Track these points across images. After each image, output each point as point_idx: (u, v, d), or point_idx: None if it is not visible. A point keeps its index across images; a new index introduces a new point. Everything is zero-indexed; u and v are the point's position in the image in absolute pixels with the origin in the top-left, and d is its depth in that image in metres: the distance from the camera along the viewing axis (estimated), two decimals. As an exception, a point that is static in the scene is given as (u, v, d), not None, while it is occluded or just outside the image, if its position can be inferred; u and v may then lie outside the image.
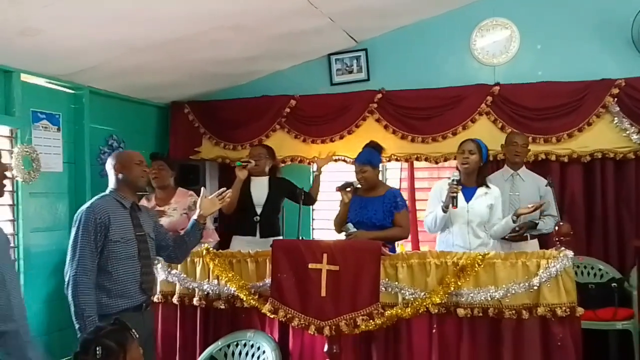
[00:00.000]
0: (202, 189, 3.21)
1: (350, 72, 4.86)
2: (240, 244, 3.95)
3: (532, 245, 3.89)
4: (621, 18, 4.24)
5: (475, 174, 3.61)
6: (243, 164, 4.06)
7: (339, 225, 3.74)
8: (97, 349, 1.99)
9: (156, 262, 3.31)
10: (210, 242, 3.96)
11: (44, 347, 3.77)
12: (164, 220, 3.87)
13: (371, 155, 3.72)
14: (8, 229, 3.64)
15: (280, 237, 4.26)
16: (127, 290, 2.78)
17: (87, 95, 4.25)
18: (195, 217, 3.09)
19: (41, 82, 3.93)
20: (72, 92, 4.20)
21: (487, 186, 3.63)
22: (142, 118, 5.05)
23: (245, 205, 4.11)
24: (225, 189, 3.21)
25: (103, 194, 2.89)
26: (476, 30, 4.61)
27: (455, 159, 4.45)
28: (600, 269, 4.23)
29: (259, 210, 4.14)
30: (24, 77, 3.75)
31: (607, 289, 3.95)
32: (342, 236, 3.72)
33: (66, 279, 2.69)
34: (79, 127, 4.23)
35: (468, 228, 3.53)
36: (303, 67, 4.97)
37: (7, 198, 3.65)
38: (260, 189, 4.18)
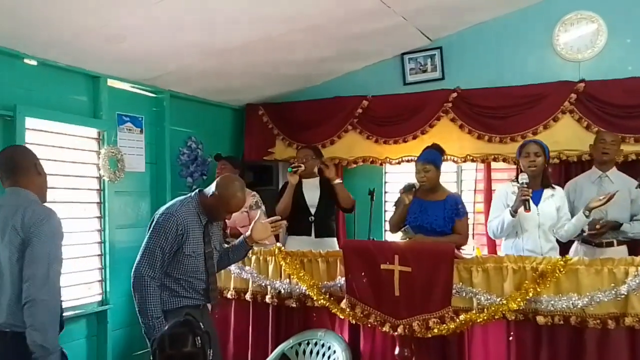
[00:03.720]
0: (259, 211, 3.21)
1: (424, 71, 4.77)
2: (296, 243, 3.97)
3: (620, 251, 3.64)
4: None
5: (541, 176, 3.51)
6: (294, 169, 4.06)
7: (396, 226, 3.68)
8: (197, 339, 2.08)
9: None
10: (267, 244, 4.01)
11: (124, 339, 3.98)
12: None
13: (434, 155, 3.66)
14: (95, 225, 3.87)
15: (334, 238, 4.27)
16: (190, 295, 2.83)
17: (168, 98, 4.44)
18: (245, 236, 3.08)
19: (126, 86, 4.15)
20: (154, 95, 4.40)
21: (552, 187, 3.53)
22: (219, 120, 5.21)
23: (299, 207, 4.13)
24: (279, 217, 3.21)
25: (188, 198, 2.87)
26: (559, 24, 4.38)
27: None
28: (698, 279, 3.88)
29: (312, 210, 4.16)
30: (110, 82, 3.97)
31: None
32: (397, 237, 3.66)
33: (133, 276, 2.74)
34: (160, 129, 4.42)
35: (539, 232, 3.42)
36: (376, 67, 4.93)
37: (95, 196, 3.88)
38: (312, 190, 4.18)
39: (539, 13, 4.43)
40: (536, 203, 3.42)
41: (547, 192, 3.50)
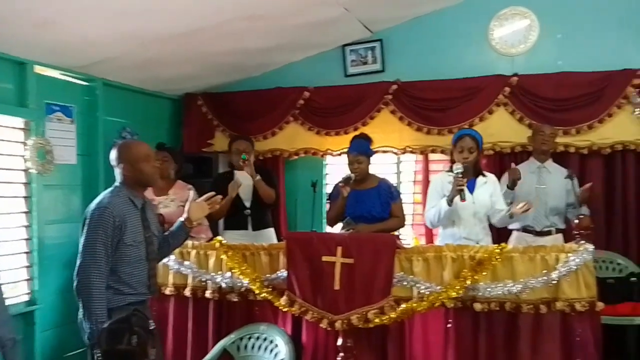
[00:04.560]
0: (191, 192, 3.11)
1: (365, 63, 4.80)
2: (234, 238, 3.88)
3: (558, 239, 3.83)
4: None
5: (473, 166, 3.59)
6: (246, 159, 3.97)
7: (335, 220, 3.71)
8: (133, 337, 2.00)
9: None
10: (203, 237, 3.94)
11: (55, 341, 3.80)
12: (161, 211, 3.87)
13: (365, 146, 3.72)
14: (22, 221, 3.66)
15: (272, 229, 4.24)
16: (134, 290, 2.73)
17: (101, 87, 4.24)
18: (182, 219, 2.96)
19: (55, 74, 3.92)
20: (86, 84, 4.19)
21: (484, 174, 3.63)
22: (156, 110, 5.03)
23: (233, 201, 4.01)
24: (214, 193, 3.07)
25: (114, 189, 2.77)
26: (494, 19, 4.51)
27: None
28: (619, 264, 4.13)
29: (247, 204, 4.10)
30: (38, 69, 3.73)
31: (627, 284, 3.86)
32: (337, 229, 3.69)
33: (77, 279, 2.58)
34: (92, 119, 4.22)
35: (475, 220, 3.50)
36: (317, 58, 4.91)
37: (21, 190, 3.66)
38: (245, 182, 4.07)
39: (475, 8, 4.55)
40: (471, 191, 3.51)
41: (480, 180, 3.60)
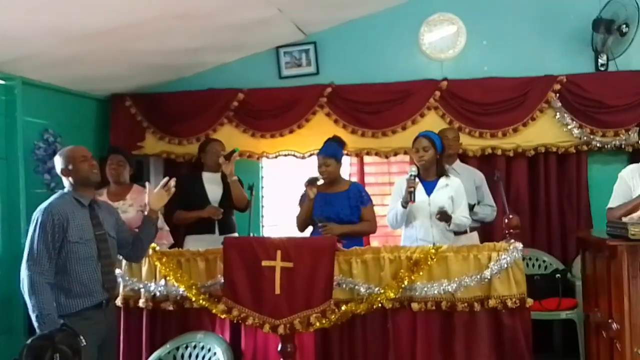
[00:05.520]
0: (147, 184, 3.12)
1: (299, 65, 4.78)
2: (198, 243, 3.72)
3: (473, 237, 3.90)
4: (565, 15, 4.41)
5: (434, 167, 3.59)
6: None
7: (304, 223, 3.65)
8: (55, 355, 1.89)
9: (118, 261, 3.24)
10: (164, 244, 3.78)
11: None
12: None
13: (336, 149, 3.68)
14: None
15: (236, 233, 4.13)
16: (87, 290, 2.71)
17: (20, 86, 3.97)
18: (146, 212, 3.04)
19: (-33, 71, 3.66)
20: (3, 82, 3.92)
21: (447, 176, 3.62)
22: (80, 111, 4.77)
23: (201, 204, 3.91)
24: (168, 178, 3.08)
25: (61, 192, 2.83)
26: (424, 25, 4.63)
27: (405, 153, 4.53)
28: (544, 261, 4.36)
29: (216, 205, 3.97)
30: (-53, 67, 3.47)
31: (551, 280, 4.06)
32: (298, 234, 3.65)
33: (21, 278, 2.62)
34: (10, 120, 3.95)
35: (431, 222, 3.50)
36: (251, 59, 4.85)
37: None
38: (214, 184, 4.01)
39: (405, 12, 4.65)
40: (429, 193, 3.52)
41: (441, 182, 3.57)
